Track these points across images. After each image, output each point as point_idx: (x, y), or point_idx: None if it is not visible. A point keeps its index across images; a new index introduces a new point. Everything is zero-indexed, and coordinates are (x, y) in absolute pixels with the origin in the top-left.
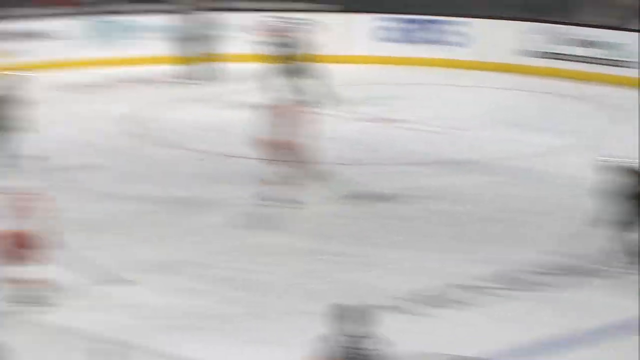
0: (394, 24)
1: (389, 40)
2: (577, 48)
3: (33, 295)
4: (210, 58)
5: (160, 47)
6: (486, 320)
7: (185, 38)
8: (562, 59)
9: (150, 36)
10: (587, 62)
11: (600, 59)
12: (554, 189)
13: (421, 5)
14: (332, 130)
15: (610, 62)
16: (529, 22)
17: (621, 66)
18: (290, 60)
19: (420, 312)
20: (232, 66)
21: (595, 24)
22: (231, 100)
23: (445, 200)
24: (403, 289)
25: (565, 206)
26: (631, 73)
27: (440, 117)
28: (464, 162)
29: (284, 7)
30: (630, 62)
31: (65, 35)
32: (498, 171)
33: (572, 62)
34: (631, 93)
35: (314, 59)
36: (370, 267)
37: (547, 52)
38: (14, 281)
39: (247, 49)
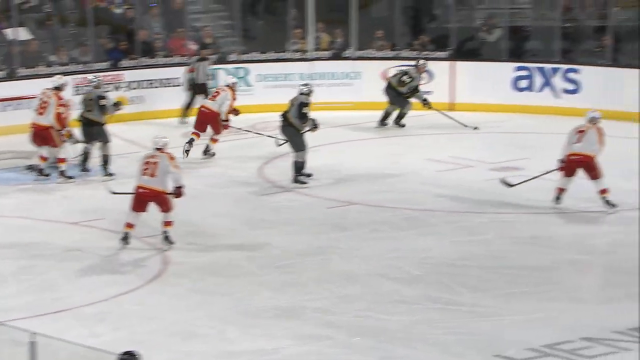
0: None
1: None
2: None
3: None
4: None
5: None
6: None
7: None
8: None
9: None
10: None
11: None
12: None
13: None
14: (456, 179)
15: None
16: None
17: None
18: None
19: None
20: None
21: None
22: None
23: (579, 251)
24: (536, 342)
25: None
26: None
27: None
28: (591, 212)
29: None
30: None
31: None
32: (633, 222)
33: None
34: None
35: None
36: (495, 318)
37: None
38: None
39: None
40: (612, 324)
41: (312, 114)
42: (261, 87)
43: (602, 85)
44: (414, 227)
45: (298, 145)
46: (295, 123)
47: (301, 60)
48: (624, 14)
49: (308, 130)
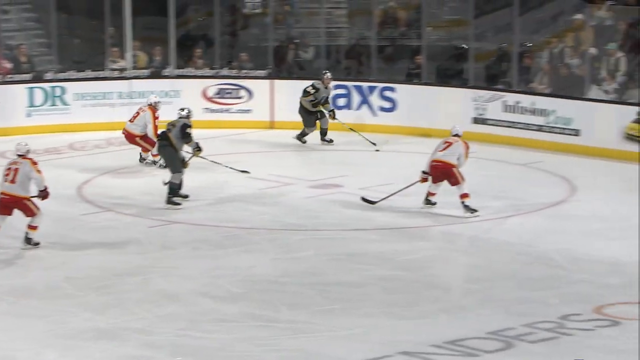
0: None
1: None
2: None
3: None
4: None
5: None
6: None
7: None
8: (515, 127)
9: None
10: (537, 130)
11: (551, 126)
12: (503, 256)
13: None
14: (277, 196)
15: (558, 130)
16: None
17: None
18: None
19: None
20: None
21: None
22: None
23: (393, 267)
24: (354, 357)
25: (514, 273)
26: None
27: (383, 183)
28: (411, 228)
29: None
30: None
31: None
32: (446, 238)
33: (523, 130)
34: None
35: None
36: (316, 334)
37: (498, 120)
38: None
39: None
40: (429, 338)
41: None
42: (79, 106)
43: (417, 103)
44: (236, 245)
45: (176, 166)
46: (177, 144)
47: (120, 79)
48: (436, 33)
49: (192, 154)
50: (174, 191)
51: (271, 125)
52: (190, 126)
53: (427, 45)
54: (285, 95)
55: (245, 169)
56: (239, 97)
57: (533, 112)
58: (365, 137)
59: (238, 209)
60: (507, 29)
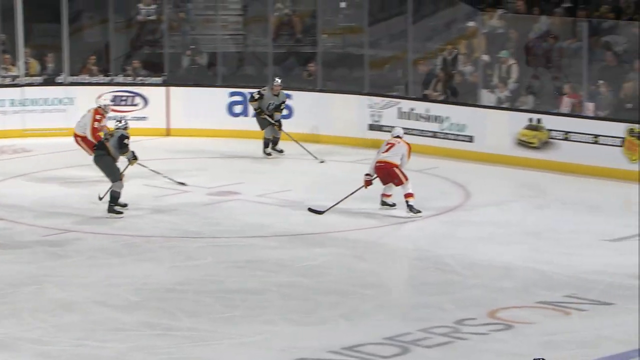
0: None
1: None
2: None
3: None
4: None
5: None
6: None
7: None
8: (410, 133)
9: None
10: (432, 137)
11: (446, 133)
12: (400, 262)
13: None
14: (175, 204)
15: (452, 137)
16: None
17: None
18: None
19: None
20: None
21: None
22: None
23: (292, 273)
24: None
25: (410, 279)
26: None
27: (281, 190)
28: (307, 234)
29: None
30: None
31: None
32: (346, 244)
33: (418, 137)
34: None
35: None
36: (216, 342)
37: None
38: None
39: None
40: (327, 344)
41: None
42: None
43: (313, 110)
44: (133, 254)
45: (115, 175)
46: (114, 153)
47: (12, 86)
48: (330, 41)
49: (128, 163)
50: (115, 200)
51: (167, 132)
52: (128, 137)
53: (322, 52)
54: (181, 102)
55: (182, 181)
56: (134, 105)
57: (428, 118)
58: (307, 150)
59: (135, 217)
60: (402, 36)
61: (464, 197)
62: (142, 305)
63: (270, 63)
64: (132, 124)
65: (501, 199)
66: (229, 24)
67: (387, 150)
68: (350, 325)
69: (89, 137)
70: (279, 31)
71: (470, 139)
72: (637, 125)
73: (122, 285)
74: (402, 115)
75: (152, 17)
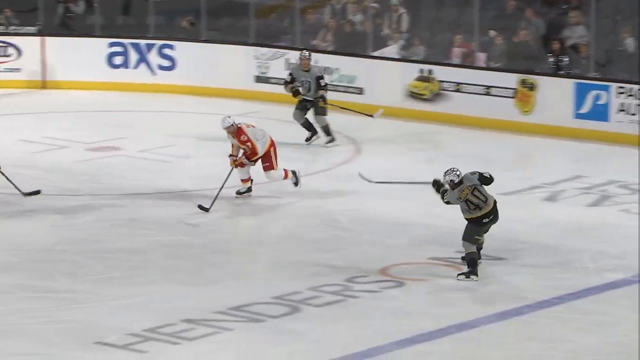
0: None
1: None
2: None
3: None
4: None
5: None
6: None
7: None
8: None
9: None
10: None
11: (335, 85)
12: (289, 219)
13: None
14: (52, 160)
15: (342, 89)
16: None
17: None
18: None
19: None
20: None
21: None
22: None
23: (177, 232)
24: (135, 326)
25: (300, 236)
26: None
27: (164, 145)
28: (192, 191)
29: None
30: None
31: None
32: (237, 203)
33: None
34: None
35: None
36: (96, 304)
37: (281, 78)
38: None
39: None
40: (212, 305)
41: None
42: None
43: (197, 61)
44: (7, 213)
45: None
46: None
47: None
48: None
49: None
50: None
51: (43, 85)
52: None
53: (206, 1)
54: (57, 53)
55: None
56: (7, 56)
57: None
58: (358, 112)
59: (11, 174)
60: None
61: (354, 152)
62: (18, 267)
63: (150, 12)
64: (5, 76)
65: (392, 153)
66: None
67: None
68: (237, 284)
69: None
70: None
71: (360, 91)
72: (529, 76)
73: None
74: (289, 66)
75: None
